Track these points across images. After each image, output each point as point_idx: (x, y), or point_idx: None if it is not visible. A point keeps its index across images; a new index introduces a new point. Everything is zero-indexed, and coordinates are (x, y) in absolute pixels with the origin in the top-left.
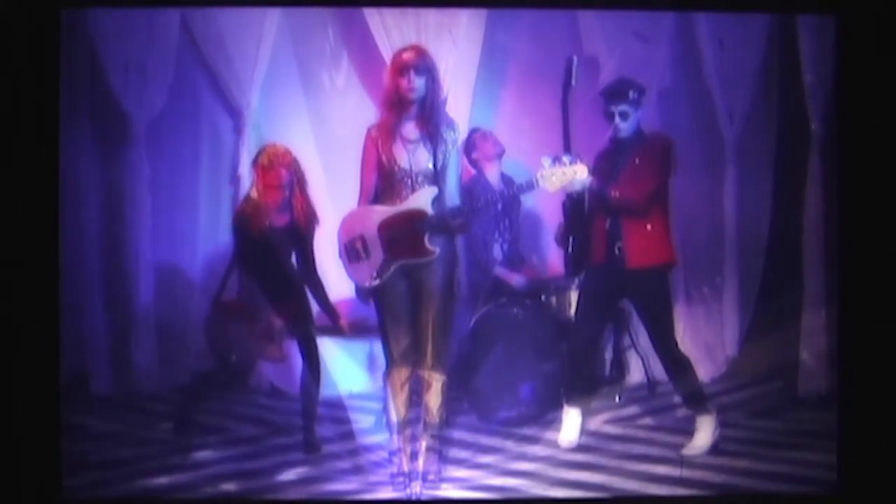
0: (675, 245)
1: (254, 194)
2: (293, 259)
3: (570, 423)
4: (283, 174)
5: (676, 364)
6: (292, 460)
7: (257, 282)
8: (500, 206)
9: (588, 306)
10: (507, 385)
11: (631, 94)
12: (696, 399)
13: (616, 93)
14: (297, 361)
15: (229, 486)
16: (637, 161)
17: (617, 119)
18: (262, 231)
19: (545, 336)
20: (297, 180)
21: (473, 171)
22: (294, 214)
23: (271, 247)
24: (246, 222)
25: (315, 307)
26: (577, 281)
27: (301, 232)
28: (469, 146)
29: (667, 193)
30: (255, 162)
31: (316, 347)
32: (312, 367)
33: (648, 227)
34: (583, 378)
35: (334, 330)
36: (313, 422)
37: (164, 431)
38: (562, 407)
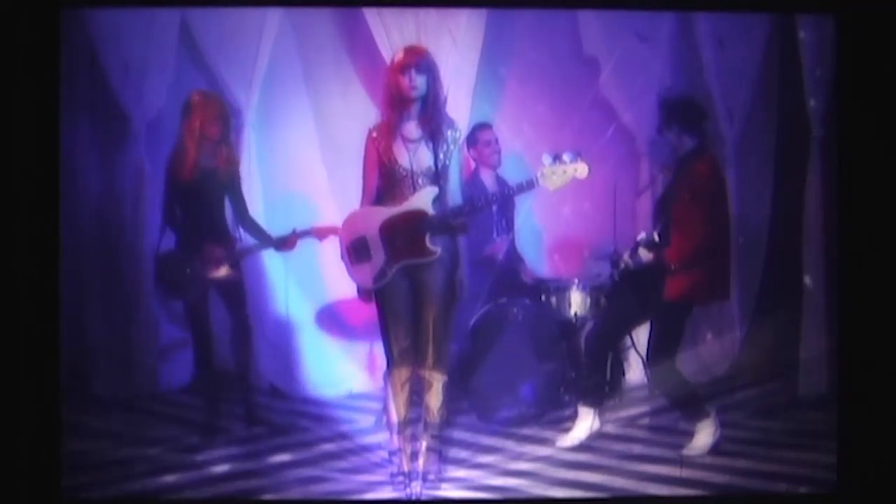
0: (724, 276)
1: (187, 142)
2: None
3: (584, 424)
4: (217, 128)
5: (667, 378)
6: (292, 460)
7: (192, 222)
8: (497, 207)
9: (624, 309)
10: (507, 385)
11: (685, 114)
12: (691, 408)
13: (665, 107)
14: (298, 360)
15: (229, 486)
16: (686, 196)
17: (669, 136)
18: (193, 175)
19: (545, 336)
20: (228, 132)
21: (473, 166)
22: (219, 161)
23: (203, 190)
24: (179, 167)
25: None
26: (576, 281)
27: (229, 176)
28: (470, 142)
29: (724, 226)
30: (188, 110)
31: (249, 328)
32: (243, 341)
33: (693, 268)
34: (602, 379)
35: (263, 246)
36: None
37: (165, 431)
38: (562, 407)
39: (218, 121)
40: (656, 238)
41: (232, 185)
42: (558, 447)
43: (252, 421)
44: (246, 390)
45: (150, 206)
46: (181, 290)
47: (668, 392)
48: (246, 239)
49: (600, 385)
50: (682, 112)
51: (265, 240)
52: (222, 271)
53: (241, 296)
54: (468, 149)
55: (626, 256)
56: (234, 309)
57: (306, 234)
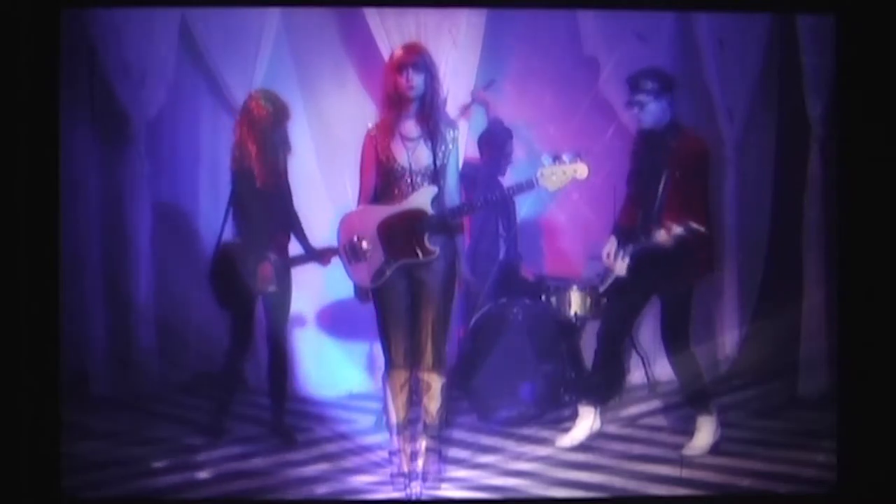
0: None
1: (240, 140)
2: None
3: (585, 423)
4: (268, 127)
5: (686, 362)
6: (292, 460)
7: (252, 220)
8: (496, 207)
9: (621, 302)
10: (507, 385)
11: (648, 83)
12: (700, 399)
13: (634, 82)
14: (298, 360)
15: (229, 486)
16: (678, 175)
17: (635, 109)
18: (263, 179)
19: (545, 336)
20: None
21: (476, 163)
22: (276, 159)
23: (257, 188)
24: (249, 169)
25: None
26: (577, 281)
27: (279, 173)
28: (489, 142)
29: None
30: (248, 111)
31: (286, 341)
32: (277, 357)
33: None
34: (607, 377)
35: (308, 258)
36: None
37: (165, 431)
38: (562, 407)
39: (270, 125)
40: (680, 230)
41: (284, 193)
42: (558, 447)
43: (281, 433)
44: (279, 403)
45: (150, 206)
46: (236, 296)
47: (683, 376)
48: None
49: (607, 382)
50: (667, 82)
51: (309, 251)
52: (272, 285)
53: (285, 309)
54: (481, 146)
55: (620, 260)
56: (275, 321)
57: (336, 251)
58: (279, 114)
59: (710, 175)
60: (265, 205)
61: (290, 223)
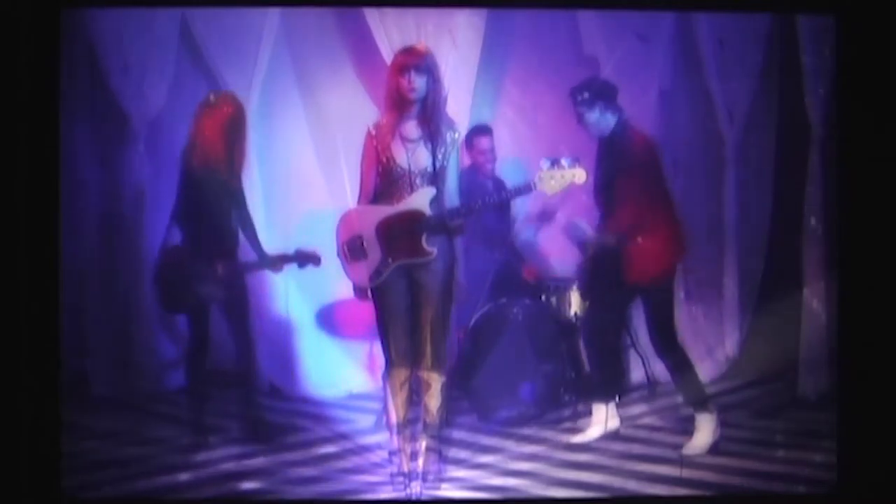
0: (678, 239)
1: (199, 139)
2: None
3: (601, 419)
4: (229, 127)
5: (678, 363)
6: (292, 460)
7: (200, 223)
8: (494, 209)
9: (602, 302)
10: (507, 385)
11: (578, 96)
12: (698, 397)
13: (571, 97)
14: (298, 360)
15: (229, 486)
16: (623, 179)
17: (583, 120)
18: (205, 174)
19: (545, 336)
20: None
21: (469, 164)
22: (226, 166)
23: (210, 189)
24: (194, 165)
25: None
26: (576, 281)
27: (234, 175)
28: (467, 144)
29: (661, 195)
30: (205, 107)
31: (251, 341)
32: (245, 354)
33: (639, 240)
34: (616, 372)
35: (260, 265)
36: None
37: (165, 431)
38: (562, 407)
39: (231, 125)
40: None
41: (238, 195)
42: (557, 447)
43: (256, 433)
44: (249, 402)
45: (151, 206)
46: (182, 301)
47: (680, 378)
48: (247, 251)
49: (608, 379)
50: (600, 90)
51: (262, 257)
52: (223, 289)
53: (244, 311)
54: (466, 150)
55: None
56: (236, 322)
57: (290, 258)
58: (236, 123)
59: (651, 167)
60: (215, 205)
61: (243, 226)
